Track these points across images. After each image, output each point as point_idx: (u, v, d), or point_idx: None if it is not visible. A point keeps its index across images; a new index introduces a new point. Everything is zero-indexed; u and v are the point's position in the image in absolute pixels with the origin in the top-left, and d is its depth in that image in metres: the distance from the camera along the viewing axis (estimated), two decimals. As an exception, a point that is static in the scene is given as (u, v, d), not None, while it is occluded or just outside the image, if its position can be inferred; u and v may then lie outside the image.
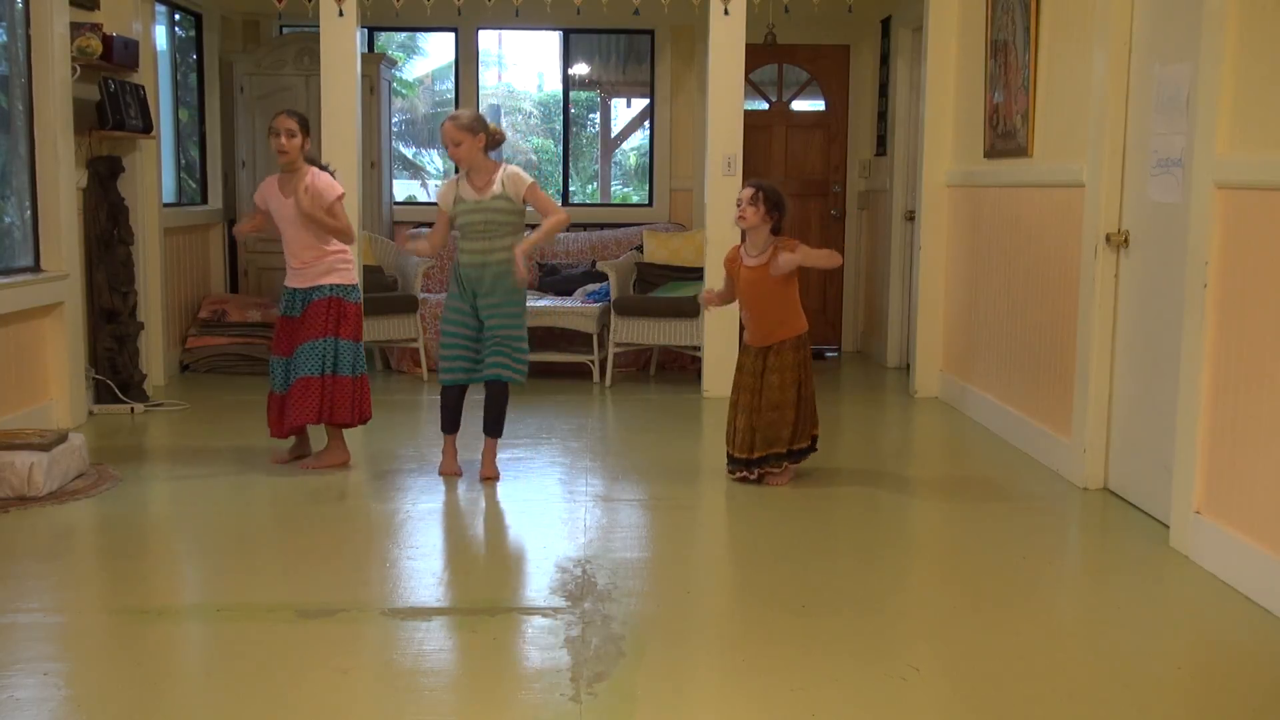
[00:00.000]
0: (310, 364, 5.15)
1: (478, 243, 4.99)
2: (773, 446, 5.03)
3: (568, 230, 8.94)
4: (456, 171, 5.13)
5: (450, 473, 5.23)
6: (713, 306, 5.46)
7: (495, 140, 5.07)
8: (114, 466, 5.27)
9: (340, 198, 5.17)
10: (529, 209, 5.06)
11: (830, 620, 3.56)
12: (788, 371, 5.00)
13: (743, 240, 5.17)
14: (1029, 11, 5.72)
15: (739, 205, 5.01)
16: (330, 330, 5.18)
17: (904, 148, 8.07)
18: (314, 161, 5.25)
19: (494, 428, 5.23)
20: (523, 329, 5.16)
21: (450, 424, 5.25)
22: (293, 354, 5.21)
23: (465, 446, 5.37)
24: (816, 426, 5.15)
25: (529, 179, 5.04)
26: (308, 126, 5.19)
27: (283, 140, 5.08)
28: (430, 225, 9.01)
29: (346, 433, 5.45)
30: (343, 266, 5.23)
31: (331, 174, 5.24)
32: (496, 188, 4.97)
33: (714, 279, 7.02)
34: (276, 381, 5.28)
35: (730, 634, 3.53)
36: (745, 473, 5.09)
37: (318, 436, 5.51)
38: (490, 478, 5.18)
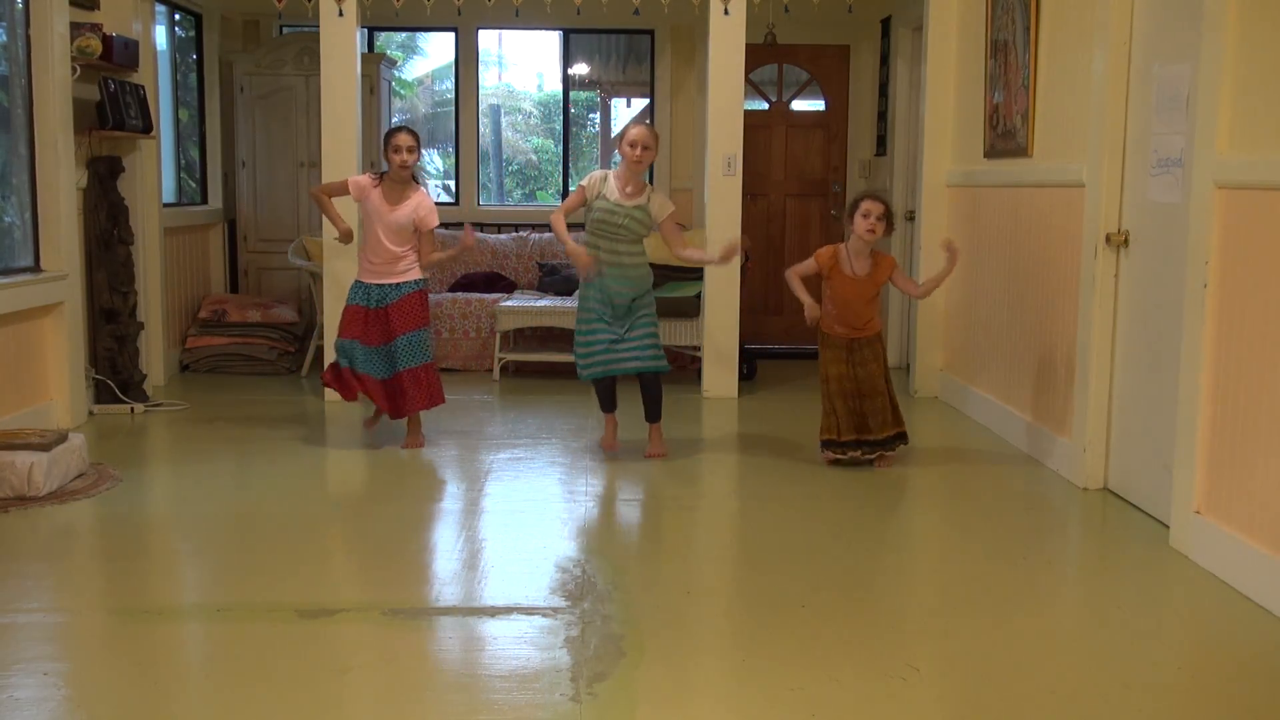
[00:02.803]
0: (416, 355, 5.67)
1: (604, 241, 5.36)
2: (886, 429, 5.37)
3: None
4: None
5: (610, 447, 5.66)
6: (813, 315, 5.41)
7: None
8: (114, 466, 5.27)
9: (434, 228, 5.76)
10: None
11: (830, 620, 3.56)
12: (878, 363, 5.38)
13: (843, 241, 5.41)
14: (1029, 11, 5.71)
15: (868, 218, 5.24)
16: (422, 321, 5.71)
17: (904, 148, 8.06)
18: (416, 177, 5.76)
19: (659, 411, 5.68)
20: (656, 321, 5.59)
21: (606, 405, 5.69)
22: (388, 344, 5.64)
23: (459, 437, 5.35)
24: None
25: (672, 207, 5.48)
26: (420, 142, 5.68)
27: (404, 156, 5.54)
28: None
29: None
30: (415, 264, 5.73)
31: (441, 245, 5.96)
32: (642, 200, 5.39)
33: (714, 279, 7.03)
34: (356, 361, 5.64)
35: (730, 634, 3.53)
36: (854, 453, 5.40)
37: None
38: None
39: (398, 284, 5.65)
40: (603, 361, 5.47)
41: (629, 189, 5.38)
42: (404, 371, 5.64)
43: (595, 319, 5.45)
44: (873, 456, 5.41)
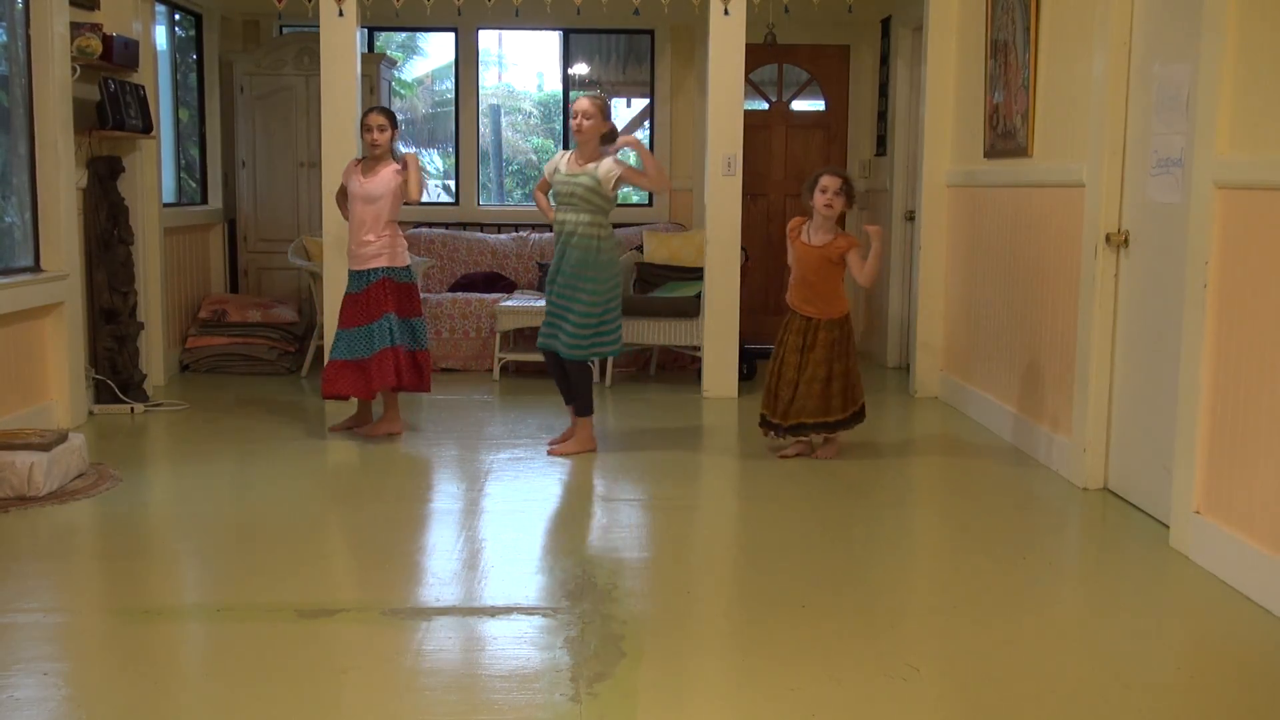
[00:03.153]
0: (385, 338, 5.79)
1: (564, 213, 5.51)
2: (803, 416, 5.41)
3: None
4: (567, 148, 5.68)
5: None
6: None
7: (610, 135, 5.59)
8: (114, 466, 5.27)
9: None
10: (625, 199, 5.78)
11: (830, 620, 3.56)
12: (822, 349, 5.41)
13: (809, 216, 5.55)
14: (1029, 11, 5.71)
15: (825, 193, 5.37)
16: (386, 308, 5.80)
17: (904, 148, 8.06)
18: (394, 154, 5.96)
19: (578, 405, 5.69)
20: (601, 310, 5.55)
21: (561, 392, 5.81)
22: (365, 326, 5.81)
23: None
24: (859, 400, 5.53)
25: (620, 169, 5.49)
26: (395, 121, 5.91)
27: (375, 135, 5.80)
28: (432, 225, 9.08)
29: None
30: (387, 251, 5.86)
31: (402, 164, 5.87)
32: (590, 168, 5.49)
33: (714, 279, 7.03)
34: (340, 349, 5.84)
35: (730, 634, 3.53)
36: (774, 434, 5.52)
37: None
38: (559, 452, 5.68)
39: (368, 270, 5.83)
40: (542, 332, 5.71)
41: (580, 159, 5.52)
42: (377, 353, 5.79)
43: (549, 287, 5.65)
44: (803, 440, 5.55)
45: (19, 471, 4.72)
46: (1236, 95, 3.89)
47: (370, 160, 5.87)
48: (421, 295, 7.84)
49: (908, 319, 7.91)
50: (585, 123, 5.46)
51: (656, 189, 5.44)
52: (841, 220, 5.57)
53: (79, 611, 3.68)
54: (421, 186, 5.88)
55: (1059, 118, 5.44)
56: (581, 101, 5.52)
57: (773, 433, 5.54)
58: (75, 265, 6.13)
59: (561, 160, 5.60)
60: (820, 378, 5.41)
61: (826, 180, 5.38)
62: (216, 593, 3.88)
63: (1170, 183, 4.47)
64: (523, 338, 7.96)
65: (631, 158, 5.68)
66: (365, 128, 5.84)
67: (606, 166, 5.46)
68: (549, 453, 5.64)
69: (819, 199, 5.38)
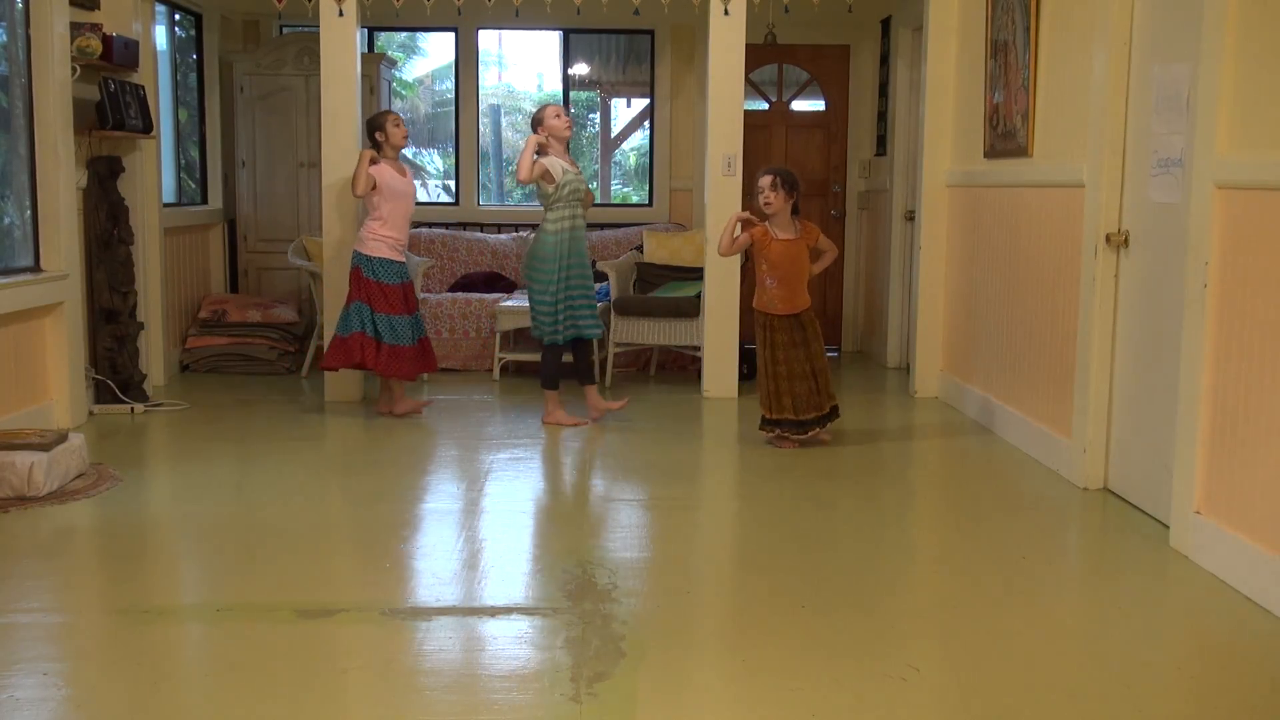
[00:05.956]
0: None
1: (578, 208, 6.10)
2: (833, 400, 5.77)
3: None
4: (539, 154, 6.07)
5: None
6: (738, 231, 5.75)
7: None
8: (114, 466, 5.27)
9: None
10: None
11: (830, 620, 3.56)
12: (820, 339, 5.76)
13: (765, 219, 5.78)
14: (1029, 11, 5.71)
15: (762, 192, 5.67)
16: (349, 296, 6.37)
17: (904, 148, 8.06)
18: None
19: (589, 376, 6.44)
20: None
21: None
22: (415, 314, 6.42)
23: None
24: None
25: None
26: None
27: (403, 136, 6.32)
28: (432, 225, 9.07)
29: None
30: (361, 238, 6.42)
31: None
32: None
33: (714, 279, 7.03)
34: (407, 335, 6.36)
35: (730, 634, 3.53)
36: (815, 430, 5.70)
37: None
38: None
39: (406, 260, 6.49)
40: (569, 326, 6.27)
41: (568, 161, 6.09)
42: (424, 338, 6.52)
43: (564, 281, 6.18)
44: (823, 431, 5.75)
45: (19, 471, 4.72)
46: (1236, 95, 3.89)
47: (390, 161, 6.27)
48: (421, 295, 7.90)
49: (908, 319, 7.91)
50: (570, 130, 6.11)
51: None
52: (796, 209, 5.79)
53: (79, 611, 3.68)
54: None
55: (1059, 118, 5.44)
56: (555, 113, 6.05)
57: (797, 430, 5.67)
58: (75, 265, 6.13)
59: (562, 161, 6.03)
60: (824, 369, 5.72)
61: (761, 181, 5.70)
62: (216, 593, 3.88)
63: (1170, 183, 4.47)
64: (523, 337, 7.95)
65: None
66: (397, 124, 6.25)
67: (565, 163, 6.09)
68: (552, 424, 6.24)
69: (759, 200, 5.70)
